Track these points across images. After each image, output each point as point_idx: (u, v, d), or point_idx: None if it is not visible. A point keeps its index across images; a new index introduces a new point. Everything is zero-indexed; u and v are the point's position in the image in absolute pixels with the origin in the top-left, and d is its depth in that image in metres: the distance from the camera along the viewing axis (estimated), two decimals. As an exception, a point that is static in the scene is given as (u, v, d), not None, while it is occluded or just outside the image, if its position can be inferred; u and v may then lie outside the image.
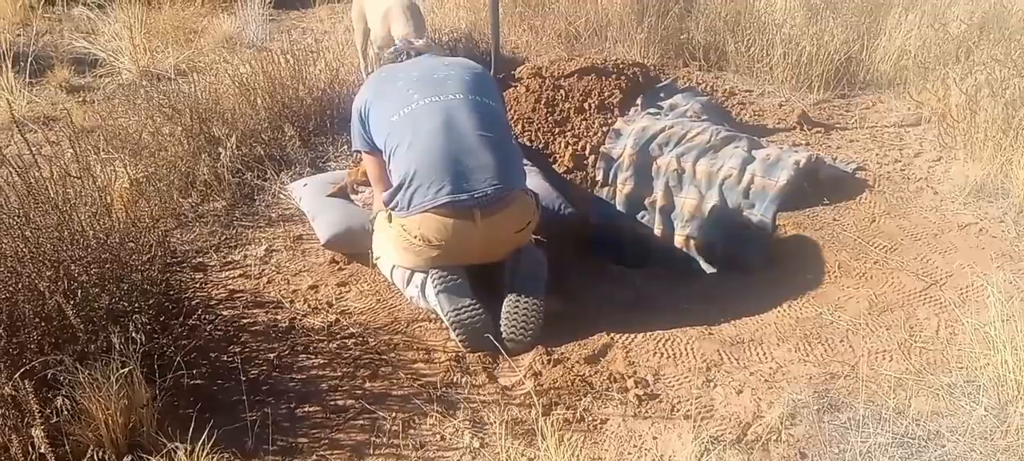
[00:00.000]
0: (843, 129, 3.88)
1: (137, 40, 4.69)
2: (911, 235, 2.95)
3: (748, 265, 3.01)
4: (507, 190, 2.51)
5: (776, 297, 2.64)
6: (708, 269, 3.17)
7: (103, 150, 3.24)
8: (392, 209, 2.56)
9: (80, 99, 4.38)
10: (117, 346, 1.94)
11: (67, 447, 1.84)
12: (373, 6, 3.79)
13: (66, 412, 1.85)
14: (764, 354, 2.36)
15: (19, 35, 5.25)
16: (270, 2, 5.78)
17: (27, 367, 1.88)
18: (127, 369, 1.92)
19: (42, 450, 1.73)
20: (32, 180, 2.32)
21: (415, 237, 2.48)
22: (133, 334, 1.99)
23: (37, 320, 2.04)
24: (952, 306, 2.52)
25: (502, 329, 2.42)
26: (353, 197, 3.03)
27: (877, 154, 3.58)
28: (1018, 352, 2.03)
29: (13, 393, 1.80)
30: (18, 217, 2.19)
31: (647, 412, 2.13)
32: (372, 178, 2.80)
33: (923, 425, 2.02)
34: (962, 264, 2.75)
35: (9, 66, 4.13)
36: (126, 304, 2.21)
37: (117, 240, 2.34)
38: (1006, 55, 3.74)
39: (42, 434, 1.72)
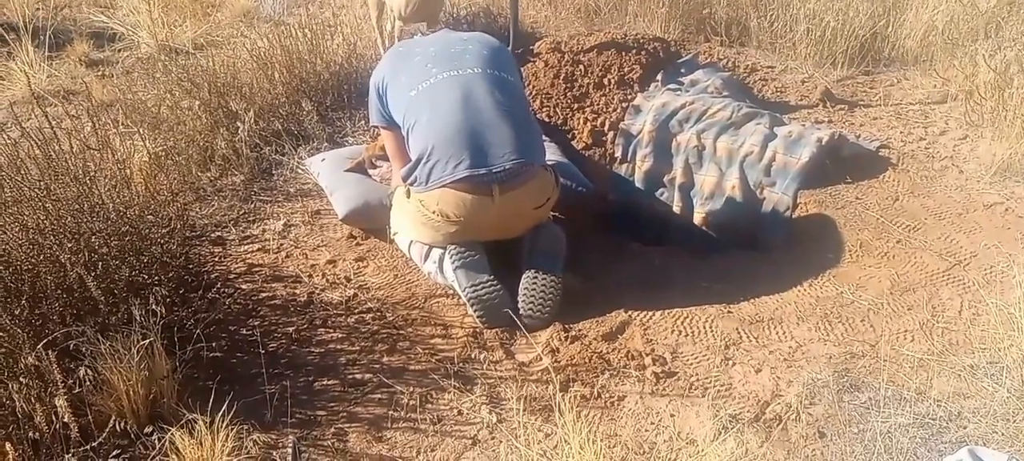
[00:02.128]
0: (867, 106, 3.82)
1: (155, 14, 4.69)
2: (935, 214, 2.91)
3: (768, 244, 2.98)
4: (526, 165, 2.50)
5: (796, 276, 2.61)
6: (728, 247, 3.14)
7: (122, 124, 3.25)
8: (410, 184, 2.55)
9: (99, 73, 4.39)
10: (138, 318, 1.96)
11: (90, 417, 1.87)
12: None
13: (88, 383, 1.87)
14: (784, 333, 2.34)
15: (38, 9, 5.26)
16: (288, -24, 5.76)
17: (50, 338, 1.89)
18: (148, 341, 1.93)
19: (65, 419, 1.75)
20: (53, 153, 2.33)
21: (433, 212, 2.47)
22: (153, 306, 2.01)
23: (59, 292, 2.06)
24: (976, 286, 2.48)
25: (520, 305, 2.41)
26: (371, 172, 3.03)
27: (901, 132, 3.53)
28: (1043, 333, 2.00)
29: (37, 363, 1.82)
30: (39, 190, 2.20)
31: (665, 390, 2.12)
32: (390, 153, 2.79)
33: (944, 406, 2.00)
34: (987, 244, 2.71)
35: (29, 40, 4.14)
36: (146, 276, 2.23)
37: (137, 213, 2.35)
38: (1036, 31, 3.66)
39: (65, 404, 1.75)
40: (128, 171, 2.61)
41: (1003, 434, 1.90)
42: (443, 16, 4.26)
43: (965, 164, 3.23)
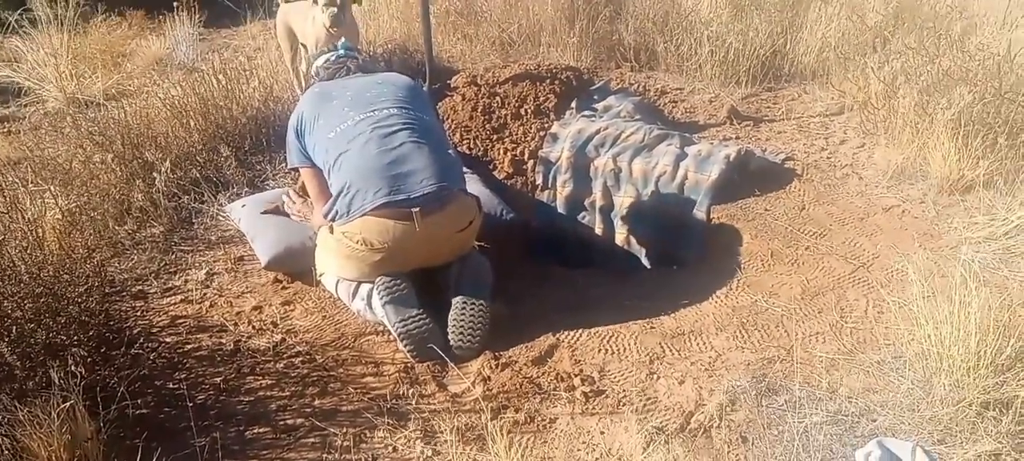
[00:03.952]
0: (771, 121, 4.01)
1: (62, 67, 4.58)
2: (839, 220, 3.07)
3: (685, 259, 3.10)
4: (445, 190, 2.55)
5: (713, 288, 2.73)
6: (648, 264, 3.25)
7: (32, 182, 3.16)
8: (332, 219, 2.58)
9: (4, 130, 4.25)
10: (57, 381, 1.91)
11: (9, 487, 1.81)
12: (299, 15, 3.79)
13: (6, 452, 1.81)
14: (704, 344, 2.43)
15: (-64, 66, 5.06)
16: (200, 21, 5.70)
17: (-37, 409, 1.84)
18: (68, 403, 1.89)
19: (-17, 492, 1.70)
20: (-42, 217, 2.27)
21: (357, 242, 2.50)
22: (73, 367, 1.96)
23: (-29, 360, 1.99)
24: (879, 286, 2.64)
25: (449, 336, 2.44)
26: (288, 209, 3.02)
27: (804, 144, 3.72)
28: (939, 327, 2.13)
29: (-51, 437, 1.76)
30: (-55, 256, 2.14)
31: (594, 408, 2.18)
32: (311, 193, 2.81)
33: (855, 402, 2.11)
34: (887, 245, 2.88)
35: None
36: (64, 337, 2.17)
37: (51, 273, 2.30)
38: (919, 43, 3.91)
39: (-18, 476, 1.69)
40: (40, 231, 2.54)
41: (909, 424, 2.03)
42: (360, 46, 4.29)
43: (864, 171, 3.42)
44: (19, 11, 5.01)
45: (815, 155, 3.60)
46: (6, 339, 1.98)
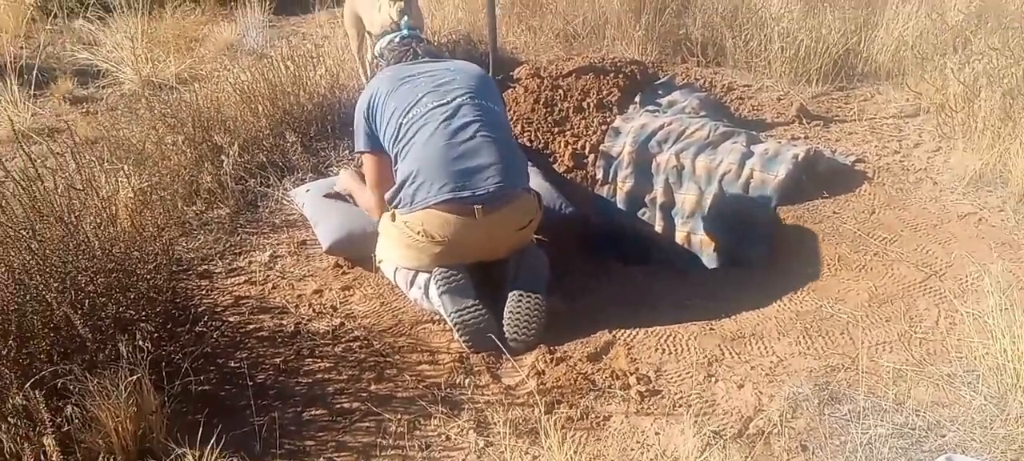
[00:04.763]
0: (842, 122, 3.89)
1: (139, 50, 4.73)
2: (911, 226, 2.96)
3: (750, 260, 3.03)
4: (509, 188, 2.55)
5: (776, 291, 2.66)
6: (710, 264, 3.19)
7: (107, 161, 3.27)
8: (395, 207, 2.60)
9: (83, 110, 4.41)
10: (125, 354, 1.97)
11: (78, 455, 1.87)
12: (366, 3, 3.81)
13: (76, 420, 1.88)
14: (765, 348, 2.38)
15: (22, 48, 5.29)
16: (270, 8, 5.81)
17: (37, 377, 1.90)
18: (136, 377, 1.95)
19: (54, 459, 1.76)
20: (37, 193, 2.35)
21: (418, 233, 2.51)
22: (140, 342, 2.02)
23: (46, 331, 2.07)
24: (951, 296, 2.54)
25: (505, 329, 2.44)
26: (339, 183, 3.08)
27: (876, 146, 3.60)
28: (1016, 341, 2.04)
29: (24, 403, 1.83)
30: (25, 230, 2.22)
31: (649, 408, 2.15)
32: (369, 180, 2.84)
33: (923, 415, 2.03)
34: (961, 254, 2.76)
35: (14, 79, 4.16)
36: (133, 313, 2.24)
37: (122, 250, 2.37)
38: (1003, 44, 3.74)
39: (53, 443, 1.75)
40: (113, 208, 2.63)
41: (981, 442, 1.94)
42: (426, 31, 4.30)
43: (939, 176, 3.30)
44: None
45: (887, 158, 3.48)
46: (79, 312, 2.05)
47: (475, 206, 2.49)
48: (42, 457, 1.79)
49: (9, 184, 2.42)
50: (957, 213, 3.02)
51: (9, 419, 1.82)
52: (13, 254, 2.16)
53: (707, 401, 2.16)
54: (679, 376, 2.27)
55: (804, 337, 2.41)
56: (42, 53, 5.08)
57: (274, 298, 2.71)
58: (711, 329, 2.47)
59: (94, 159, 3.16)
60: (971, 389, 2.10)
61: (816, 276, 2.74)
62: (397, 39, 2.98)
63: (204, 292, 2.73)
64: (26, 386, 1.84)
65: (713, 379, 2.25)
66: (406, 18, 3.15)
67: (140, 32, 4.91)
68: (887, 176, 3.32)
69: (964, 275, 2.65)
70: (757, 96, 4.20)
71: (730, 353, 2.35)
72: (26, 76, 4.28)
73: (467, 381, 2.29)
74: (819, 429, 2.02)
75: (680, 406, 2.15)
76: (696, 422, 2.07)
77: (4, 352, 1.95)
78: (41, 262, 2.16)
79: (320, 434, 2.10)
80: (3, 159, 2.59)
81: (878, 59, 4.38)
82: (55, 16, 5.76)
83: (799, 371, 2.25)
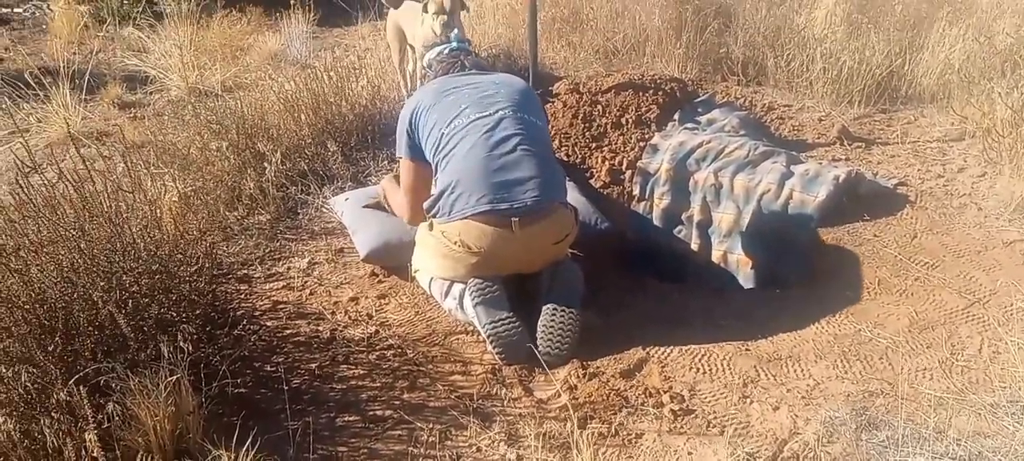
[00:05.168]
0: (884, 144, 3.84)
1: (186, 58, 4.84)
2: (954, 252, 2.91)
3: (788, 281, 2.99)
4: (546, 202, 2.56)
5: (814, 313, 2.62)
6: (746, 284, 3.16)
7: (153, 165, 3.35)
8: (433, 216, 2.63)
9: (131, 115, 4.53)
10: (166, 354, 2.01)
11: (118, 452, 1.91)
12: (409, 17, 3.85)
13: (117, 418, 1.92)
14: (801, 371, 2.34)
15: (75, 53, 5.45)
16: (314, 20, 5.91)
17: (81, 374, 1.95)
18: (175, 377, 1.98)
19: (94, 454, 1.79)
20: (87, 194, 2.41)
21: (455, 243, 2.53)
22: (181, 343, 2.06)
23: (91, 328, 2.12)
24: (996, 324, 2.48)
25: (538, 342, 2.44)
26: (379, 190, 3.11)
27: (919, 169, 3.54)
28: (1063, 372, 1.99)
29: (68, 399, 1.88)
30: (74, 230, 2.28)
31: (682, 427, 2.13)
32: (405, 186, 2.87)
33: (964, 445, 1.99)
34: (1007, 282, 2.70)
35: (66, 84, 4.29)
36: (174, 314, 2.29)
37: (166, 252, 2.42)
38: (1054, 69, 3.67)
39: (94, 439, 1.79)
40: (158, 211, 2.69)
41: (1024, 473, 1.89)
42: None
43: (984, 201, 3.23)
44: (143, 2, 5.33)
45: (930, 182, 3.42)
46: (123, 311, 2.10)
47: (512, 218, 2.51)
48: (83, 452, 1.83)
49: (60, 185, 2.48)
50: (1002, 240, 2.96)
51: (53, 414, 1.87)
52: (62, 253, 2.22)
53: (741, 422, 2.14)
54: (713, 396, 2.24)
55: (842, 361, 2.37)
56: (94, 59, 5.22)
57: (311, 304, 2.74)
58: (747, 350, 2.45)
59: (141, 163, 3.23)
60: (1015, 420, 2.05)
61: (855, 300, 2.70)
62: (446, 51, 3.03)
63: (243, 296, 2.78)
64: (70, 382, 1.89)
65: (748, 400, 2.22)
66: (455, 31, 3.18)
67: (188, 40, 5.03)
68: (930, 200, 3.26)
69: (1009, 303, 2.59)
70: (798, 116, 4.16)
71: (766, 374, 2.33)
72: (78, 81, 4.41)
73: (500, 393, 2.29)
74: (855, 455, 1.99)
75: (714, 426, 2.13)
76: (730, 443, 2.05)
77: (50, 349, 2.00)
78: (89, 262, 2.22)
79: (353, 440, 2.12)
80: (56, 160, 2.66)
81: (922, 82, 4.32)
82: (107, 23, 5.92)
83: (836, 395, 2.21)
